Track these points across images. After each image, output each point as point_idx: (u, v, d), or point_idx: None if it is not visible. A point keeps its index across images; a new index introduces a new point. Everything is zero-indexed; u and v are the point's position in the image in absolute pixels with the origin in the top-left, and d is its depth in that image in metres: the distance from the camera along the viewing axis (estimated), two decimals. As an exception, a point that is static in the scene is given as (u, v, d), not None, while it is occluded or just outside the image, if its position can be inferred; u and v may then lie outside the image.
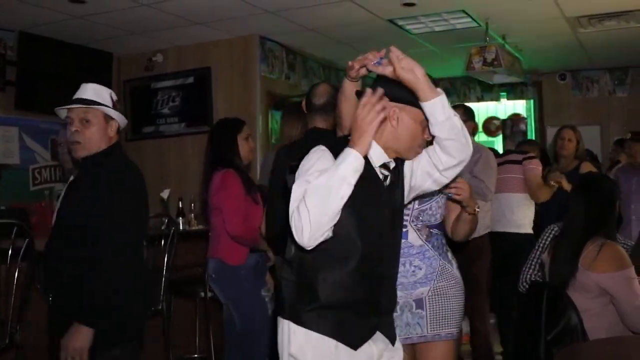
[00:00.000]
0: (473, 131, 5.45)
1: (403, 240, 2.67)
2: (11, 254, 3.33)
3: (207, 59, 7.00)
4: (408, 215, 2.78)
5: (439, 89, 2.16)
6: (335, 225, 2.07)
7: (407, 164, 2.37)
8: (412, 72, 2.11)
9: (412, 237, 2.82)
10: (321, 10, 5.92)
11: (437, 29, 6.65)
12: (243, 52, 6.86)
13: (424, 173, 2.36)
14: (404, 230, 2.74)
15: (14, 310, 3.34)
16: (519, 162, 5.12)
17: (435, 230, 2.88)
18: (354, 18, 6.18)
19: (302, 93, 7.44)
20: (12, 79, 6.17)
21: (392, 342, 2.36)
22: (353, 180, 2.01)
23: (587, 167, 5.28)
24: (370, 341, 2.29)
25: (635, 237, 4.41)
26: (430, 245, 2.84)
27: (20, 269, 3.36)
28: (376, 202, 2.26)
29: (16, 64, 6.19)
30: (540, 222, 5.08)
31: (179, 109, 7.20)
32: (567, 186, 5.00)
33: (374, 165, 2.26)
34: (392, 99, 2.18)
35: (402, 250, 2.61)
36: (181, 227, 5.42)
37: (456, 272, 2.91)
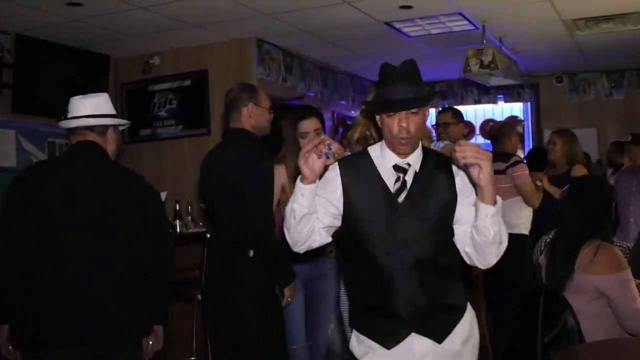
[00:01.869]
0: (469, 134, 5.49)
1: None
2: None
3: (204, 62, 7.00)
4: None
5: (498, 201, 2.28)
6: (346, 229, 2.42)
7: (459, 183, 2.41)
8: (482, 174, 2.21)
9: None
10: (318, 12, 5.92)
11: (434, 31, 6.65)
12: (240, 54, 6.86)
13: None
14: None
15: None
16: (503, 172, 5.05)
17: None
18: (351, 20, 6.18)
19: (299, 95, 7.46)
20: (9, 82, 6.15)
21: (438, 341, 2.39)
22: (297, 204, 2.31)
23: (578, 170, 5.30)
24: (411, 339, 2.38)
25: (633, 239, 4.41)
26: None
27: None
28: (378, 208, 2.38)
29: (13, 66, 6.17)
30: (539, 226, 5.10)
31: (176, 112, 7.20)
32: (547, 186, 5.18)
33: (382, 170, 2.40)
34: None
35: None
36: (178, 230, 5.42)
37: None
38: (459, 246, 2.42)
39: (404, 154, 2.38)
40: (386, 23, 6.33)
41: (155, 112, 7.30)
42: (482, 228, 2.28)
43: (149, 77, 7.32)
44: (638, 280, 3.26)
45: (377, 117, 2.43)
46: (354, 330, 2.52)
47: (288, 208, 2.36)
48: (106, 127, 2.94)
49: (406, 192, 2.37)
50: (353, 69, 8.50)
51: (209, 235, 4.40)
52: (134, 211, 2.84)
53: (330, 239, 2.45)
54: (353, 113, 8.39)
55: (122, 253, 2.79)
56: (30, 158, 6.41)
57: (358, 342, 2.48)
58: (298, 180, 2.31)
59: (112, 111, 3.01)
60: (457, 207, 2.40)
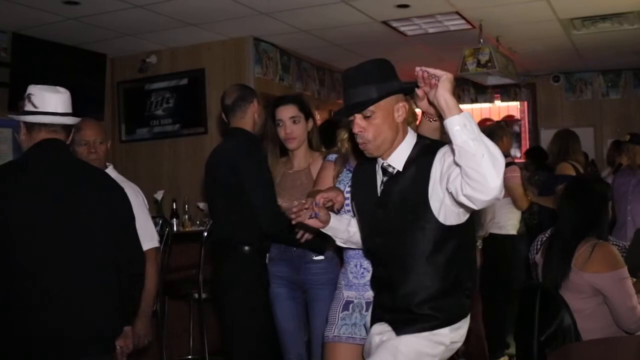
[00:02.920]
0: None
1: None
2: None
3: (201, 61, 7.00)
4: None
5: (464, 111, 2.07)
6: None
7: (437, 164, 2.25)
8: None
9: None
10: (315, 11, 5.92)
11: (430, 30, 6.65)
12: (237, 53, 6.86)
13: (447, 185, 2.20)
14: None
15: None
16: None
17: None
18: (348, 20, 6.18)
19: (296, 95, 7.46)
20: (6, 81, 6.14)
21: (396, 332, 2.38)
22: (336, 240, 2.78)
23: (563, 168, 5.40)
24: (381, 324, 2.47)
25: (630, 238, 4.42)
26: None
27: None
28: (368, 208, 2.48)
29: (9, 65, 6.16)
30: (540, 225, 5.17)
31: (173, 111, 7.19)
32: (535, 200, 5.54)
33: (378, 171, 2.44)
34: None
35: (354, 252, 2.93)
36: (175, 229, 5.42)
37: None
38: (458, 197, 2.11)
39: (383, 154, 2.35)
40: (383, 22, 6.33)
41: (152, 111, 7.29)
42: (461, 145, 2.01)
43: (146, 75, 7.31)
44: (634, 279, 3.27)
45: None
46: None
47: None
48: (72, 127, 2.82)
49: (384, 196, 2.39)
50: (350, 68, 8.46)
51: (205, 234, 4.41)
52: (106, 211, 2.71)
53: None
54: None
55: (100, 255, 2.65)
56: (26, 157, 6.40)
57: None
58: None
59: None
60: (448, 182, 2.17)
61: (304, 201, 2.51)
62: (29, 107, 2.69)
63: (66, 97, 2.77)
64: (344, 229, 2.64)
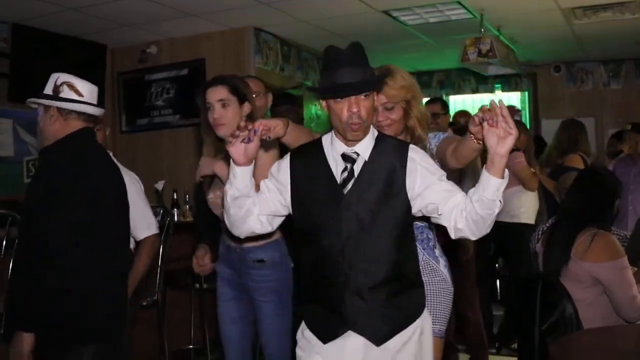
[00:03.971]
0: (465, 123, 5.48)
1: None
2: (5, 244, 3.34)
3: (201, 51, 6.98)
4: None
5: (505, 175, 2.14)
6: (295, 221, 2.38)
7: (411, 168, 2.28)
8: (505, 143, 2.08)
9: None
10: (316, 1, 5.90)
11: (431, 20, 6.63)
12: (237, 43, 6.84)
13: (427, 202, 2.27)
14: None
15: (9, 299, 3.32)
16: None
17: (419, 223, 2.73)
18: (349, 9, 6.16)
19: (297, 85, 7.44)
20: (6, 71, 6.14)
21: (376, 343, 2.28)
22: (228, 186, 2.36)
23: (572, 160, 5.40)
24: (345, 337, 2.28)
25: (631, 229, 4.42)
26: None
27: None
28: (323, 198, 2.29)
29: (9, 56, 6.16)
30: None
31: (173, 101, 7.18)
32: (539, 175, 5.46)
33: (330, 160, 2.30)
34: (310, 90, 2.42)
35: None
36: (175, 219, 5.42)
37: (443, 271, 2.77)
38: (447, 224, 2.23)
39: (354, 142, 2.27)
40: (384, 12, 6.31)
41: (152, 102, 7.28)
42: (489, 202, 2.12)
43: (146, 66, 7.29)
44: (634, 268, 3.27)
45: (323, 104, 2.31)
46: (302, 321, 2.45)
47: (224, 190, 2.40)
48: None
49: (352, 183, 2.27)
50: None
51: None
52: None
53: (270, 228, 2.43)
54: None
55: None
56: (27, 148, 6.40)
57: (302, 334, 2.42)
58: (232, 162, 2.32)
59: None
60: (428, 191, 2.24)
61: (242, 124, 2.30)
62: (70, 95, 2.77)
63: (97, 89, 2.93)
64: (249, 184, 2.33)
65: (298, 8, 6.12)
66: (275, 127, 2.47)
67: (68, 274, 2.61)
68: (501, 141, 2.07)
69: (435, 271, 2.75)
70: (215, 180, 3.21)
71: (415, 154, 2.32)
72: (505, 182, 2.13)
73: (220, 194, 3.08)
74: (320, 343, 2.32)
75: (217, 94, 3.12)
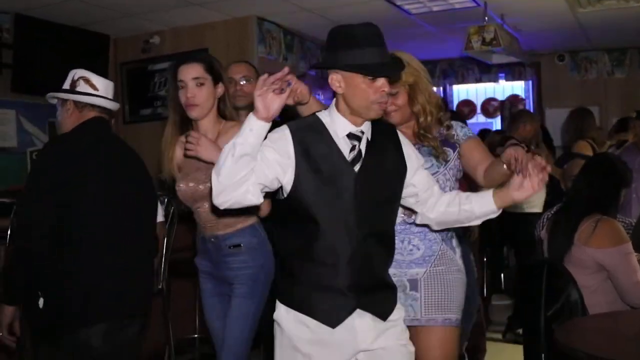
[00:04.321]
0: (469, 113, 5.57)
1: (405, 217, 2.69)
2: (10, 234, 3.34)
3: (204, 41, 6.96)
4: None
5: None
6: (292, 200, 2.24)
7: (408, 154, 2.43)
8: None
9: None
10: (319, -10, 5.89)
11: (435, 8, 6.60)
12: (240, 33, 6.82)
13: (410, 185, 2.44)
14: None
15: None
16: None
17: None
18: (352, -2, 6.15)
19: (300, 74, 7.43)
20: (9, 62, 6.13)
21: (383, 318, 2.33)
22: (242, 140, 2.12)
23: (580, 147, 5.39)
24: (353, 317, 2.29)
25: (635, 216, 4.41)
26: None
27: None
28: (330, 175, 2.26)
29: (12, 46, 6.15)
30: None
31: (177, 91, 7.16)
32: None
33: (335, 138, 2.28)
34: (326, 67, 2.30)
35: (402, 227, 2.70)
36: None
37: (458, 260, 2.79)
38: (421, 209, 2.48)
39: (362, 122, 2.29)
40: (388, 0, 6.28)
41: (156, 92, 7.27)
42: (474, 218, 2.41)
43: (149, 56, 7.28)
44: (639, 255, 3.26)
45: (338, 83, 2.25)
46: (288, 309, 2.33)
47: (228, 144, 2.14)
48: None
49: (361, 162, 2.29)
50: (354, 48, 8.42)
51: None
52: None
53: (259, 201, 2.21)
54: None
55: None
56: (31, 139, 6.41)
57: (296, 323, 2.31)
58: (250, 114, 2.14)
59: None
60: (415, 175, 2.41)
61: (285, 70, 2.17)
62: (85, 89, 2.94)
63: (112, 85, 3.09)
64: (259, 145, 2.17)
65: (301, -3, 6.10)
66: (304, 89, 2.45)
67: (84, 257, 2.72)
68: (522, 189, 2.30)
69: (452, 261, 2.77)
70: (187, 170, 3.03)
71: (402, 137, 2.45)
72: (497, 213, 2.39)
73: (193, 185, 2.98)
74: (326, 329, 2.28)
75: (191, 72, 2.95)
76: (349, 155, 2.28)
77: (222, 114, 3.07)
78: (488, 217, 2.40)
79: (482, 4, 6.33)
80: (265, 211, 2.94)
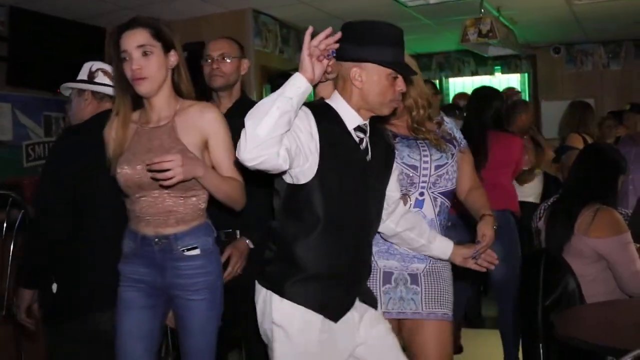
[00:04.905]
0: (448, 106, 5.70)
1: (416, 210, 2.70)
2: (6, 226, 3.35)
3: (200, 33, 6.91)
4: (425, 182, 2.70)
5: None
6: (303, 191, 2.17)
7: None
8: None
9: (427, 208, 2.71)
10: (315, -18, 5.87)
11: (431, 1, 6.57)
12: (236, 26, 6.79)
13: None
14: (421, 198, 2.70)
15: (11, 281, 3.35)
16: None
17: (446, 203, 2.78)
18: (348, -10, 6.13)
19: (296, 67, 7.41)
20: (4, 55, 6.11)
21: (374, 307, 2.39)
22: (291, 94, 2.00)
23: (572, 139, 5.41)
24: (355, 314, 2.32)
25: (632, 207, 4.43)
26: (438, 222, 2.74)
27: (15, 241, 3.36)
28: (349, 166, 2.26)
29: (7, 39, 6.12)
30: None
31: (173, 84, 7.14)
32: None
33: (348, 128, 2.29)
34: (351, 59, 2.25)
35: None
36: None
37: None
38: (387, 217, 2.52)
39: (368, 116, 2.31)
40: (384, -7, 6.28)
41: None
42: (423, 250, 2.63)
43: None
44: (638, 245, 3.27)
45: (358, 74, 2.23)
46: (294, 306, 2.23)
47: (270, 98, 2.01)
48: None
49: (369, 154, 2.32)
50: (350, 41, 8.40)
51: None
52: None
53: (286, 167, 2.08)
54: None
55: None
56: (26, 132, 6.38)
57: (304, 323, 2.22)
58: (296, 73, 2.03)
59: None
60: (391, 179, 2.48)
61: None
62: (104, 80, 3.00)
63: None
64: (299, 107, 2.08)
65: (297, -11, 6.08)
66: (333, 63, 2.30)
67: (97, 244, 2.78)
68: (468, 262, 2.65)
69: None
70: (125, 155, 2.56)
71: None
72: (444, 259, 2.68)
73: (140, 168, 2.49)
74: (330, 325, 2.24)
75: (135, 39, 2.49)
76: (363, 145, 2.32)
77: (177, 90, 2.63)
78: (439, 257, 2.67)
79: (478, -5, 6.33)
80: (242, 203, 2.68)
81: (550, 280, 3.02)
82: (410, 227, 2.56)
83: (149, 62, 2.48)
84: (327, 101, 2.33)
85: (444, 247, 2.62)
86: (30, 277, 2.82)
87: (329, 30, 2.06)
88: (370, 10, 6.66)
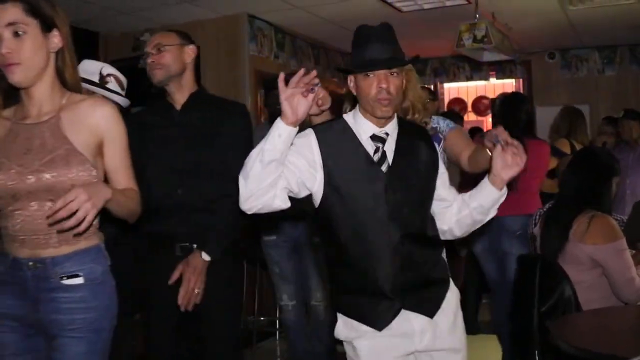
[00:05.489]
0: (460, 111, 5.63)
1: None
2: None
3: (195, 38, 6.73)
4: None
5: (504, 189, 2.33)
6: (324, 206, 2.24)
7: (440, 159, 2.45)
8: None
9: None
10: (310, -13, 5.87)
11: (426, 6, 6.60)
12: (231, 30, 6.80)
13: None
14: None
15: None
16: None
17: None
18: (343, -4, 6.14)
19: (291, 72, 7.40)
20: (-2, 59, 6.09)
21: (430, 315, 2.32)
22: (271, 145, 2.05)
23: (560, 144, 5.44)
24: (406, 319, 2.29)
25: (628, 212, 4.43)
26: None
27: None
28: (361, 178, 2.25)
29: (1, 43, 6.11)
30: None
31: (168, 89, 7.12)
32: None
33: (361, 140, 2.28)
34: (339, 70, 2.38)
35: None
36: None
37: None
38: (437, 222, 2.41)
39: (384, 120, 2.26)
40: (379, -2, 6.28)
41: (147, 89, 7.22)
42: (484, 210, 2.34)
43: (140, 54, 7.21)
44: (633, 251, 3.27)
45: (351, 83, 2.29)
46: (339, 315, 2.37)
47: (256, 149, 2.06)
48: None
49: (388, 163, 2.27)
50: (345, 47, 8.43)
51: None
52: None
53: (289, 205, 2.17)
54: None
55: None
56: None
57: (345, 327, 2.34)
58: (278, 120, 2.04)
59: None
60: (439, 184, 2.39)
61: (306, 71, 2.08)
62: (116, 88, 3.12)
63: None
64: (287, 150, 2.11)
65: (292, -6, 6.08)
66: (325, 94, 2.45)
67: None
68: (507, 168, 2.26)
69: None
70: (7, 152, 2.13)
71: (433, 141, 2.44)
72: (504, 194, 2.31)
73: (15, 173, 2.08)
74: (376, 332, 2.29)
75: (4, 15, 2.05)
76: (374, 157, 2.28)
77: (63, 81, 2.20)
78: (499, 203, 2.34)
79: (472, 1, 6.33)
80: (138, 215, 2.34)
81: (546, 286, 3.02)
82: (458, 211, 2.40)
83: (22, 44, 2.05)
84: (346, 115, 2.36)
85: (485, 192, 2.33)
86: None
87: (301, 71, 2.06)
88: (365, 15, 6.65)
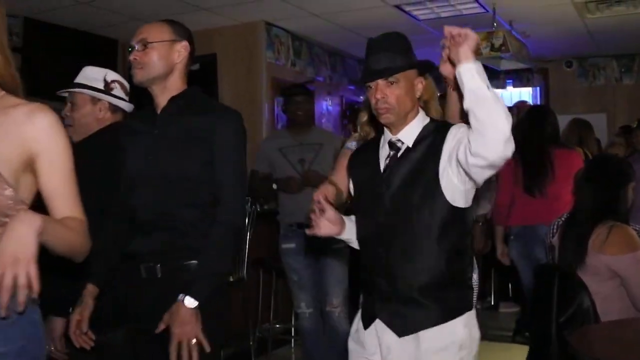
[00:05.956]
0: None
1: None
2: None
3: (213, 46, 6.97)
4: None
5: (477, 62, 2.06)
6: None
7: (449, 140, 2.20)
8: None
9: None
10: (327, -5, 5.89)
11: (443, 14, 6.61)
12: (249, 38, 6.84)
13: (460, 153, 2.12)
14: None
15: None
16: None
17: None
18: (360, 4, 6.15)
19: (308, 80, 7.43)
20: (18, 66, 6.12)
21: (397, 333, 2.24)
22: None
23: None
24: (378, 330, 2.30)
25: (644, 222, 4.39)
26: None
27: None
28: (364, 184, 2.41)
29: (21, 50, 6.16)
30: None
31: (185, 96, 7.16)
32: None
33: (381, 148, 2.36)
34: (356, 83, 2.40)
35: None
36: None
37: None
38: (468, 160, 2.05)
39: (395, 127, 2.27)
40: (396, 6, 6.29)
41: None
42: (475, 90, 1.99)
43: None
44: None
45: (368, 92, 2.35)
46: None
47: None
48: None
49: (390, 171, 2.28)
50: (361, 54, 8.41)
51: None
52: None
53: None
54: (361, 98, 8.36)
55: None
56: (39, 142, 6.41)
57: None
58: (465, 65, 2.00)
59: None
60: (457, 153, 2.12)
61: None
62: (121, 94, 3.04)
63: (81, 72, 3.11)
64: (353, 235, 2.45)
65: (309, 2, 6.11)
66: (326, 189, 2.58)
67: None
68: (456, 49, 2.08)
69: None
70: None
71: (454, 131, 2.22)
72: (478, 64, 2.03)
73: None
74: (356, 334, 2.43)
75: None
76: (383, 164, 2.33)
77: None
78: (477, 74, 2.01)
79: (490, 10, 6.33)
80: (85, 251, 1.83)
81: (565, 297, 2.99)
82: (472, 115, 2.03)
83: None
84: None
85: (461, 74, 2.05)
86: (62, 304, 2.58)
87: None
88: (382, 23, 6.64)
